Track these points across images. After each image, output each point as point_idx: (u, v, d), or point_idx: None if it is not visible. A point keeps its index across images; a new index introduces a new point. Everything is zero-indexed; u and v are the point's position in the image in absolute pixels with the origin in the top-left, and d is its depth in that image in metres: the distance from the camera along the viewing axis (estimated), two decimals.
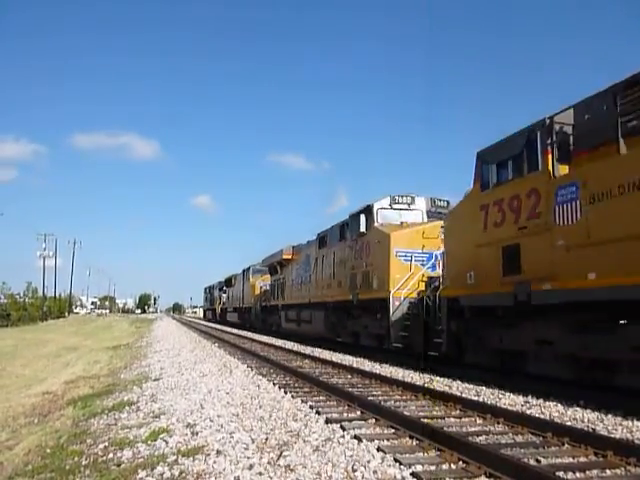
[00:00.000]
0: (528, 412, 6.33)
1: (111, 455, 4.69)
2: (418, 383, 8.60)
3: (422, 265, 12.49)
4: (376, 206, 14.00)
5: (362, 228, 14.04)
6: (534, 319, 7.77)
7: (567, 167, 7.39)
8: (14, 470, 4.78)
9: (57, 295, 71.15)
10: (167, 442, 4.93)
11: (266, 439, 4.97)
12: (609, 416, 6.08)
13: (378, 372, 9.96)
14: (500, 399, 7.28)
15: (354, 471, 3.99)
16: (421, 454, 4.53)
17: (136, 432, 5.44)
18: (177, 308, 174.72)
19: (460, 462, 4.24)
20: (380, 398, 7.31)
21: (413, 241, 12.66)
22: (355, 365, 11.38)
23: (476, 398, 7.27)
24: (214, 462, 4.24)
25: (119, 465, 4.39)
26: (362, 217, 14.11)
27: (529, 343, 7.90)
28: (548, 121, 7.59)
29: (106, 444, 5.07)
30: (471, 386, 8.44)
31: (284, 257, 24.16)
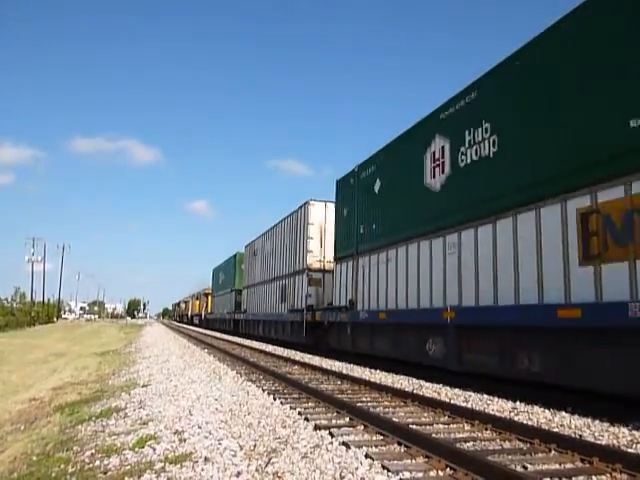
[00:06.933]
0: (516, 418, 6.36)
1: (98, 462, 4.64)
2: (407, 389, 8.62)
3: None
4: None
5: None
6: None
7: None
8: None
9: (46, 300, 70.58)
10: (155, 449, 4.90)
11: (254, 446, 4.95)
12: (596, 422, 6.13)
13: (368, 378, 9.97)
14: (488, 405, 7.32)
15: (342, 478, 3.99)
16: (409, 461, 4.54)
17: (124, 439, 5.40)
18: (167, 314, 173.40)
19: (447, 469, 4.26)
20: (369, 404, 7.32)
21: None
22: (345, 371, 11.38)
23: (464, 404, 7.30)
24: (202, 469, 4.23)
25: (106, 473, 4.35)
26: None
27: None
28: None
29: (93, 451, 5.03)
30: (460, 392, 8.48)
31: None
